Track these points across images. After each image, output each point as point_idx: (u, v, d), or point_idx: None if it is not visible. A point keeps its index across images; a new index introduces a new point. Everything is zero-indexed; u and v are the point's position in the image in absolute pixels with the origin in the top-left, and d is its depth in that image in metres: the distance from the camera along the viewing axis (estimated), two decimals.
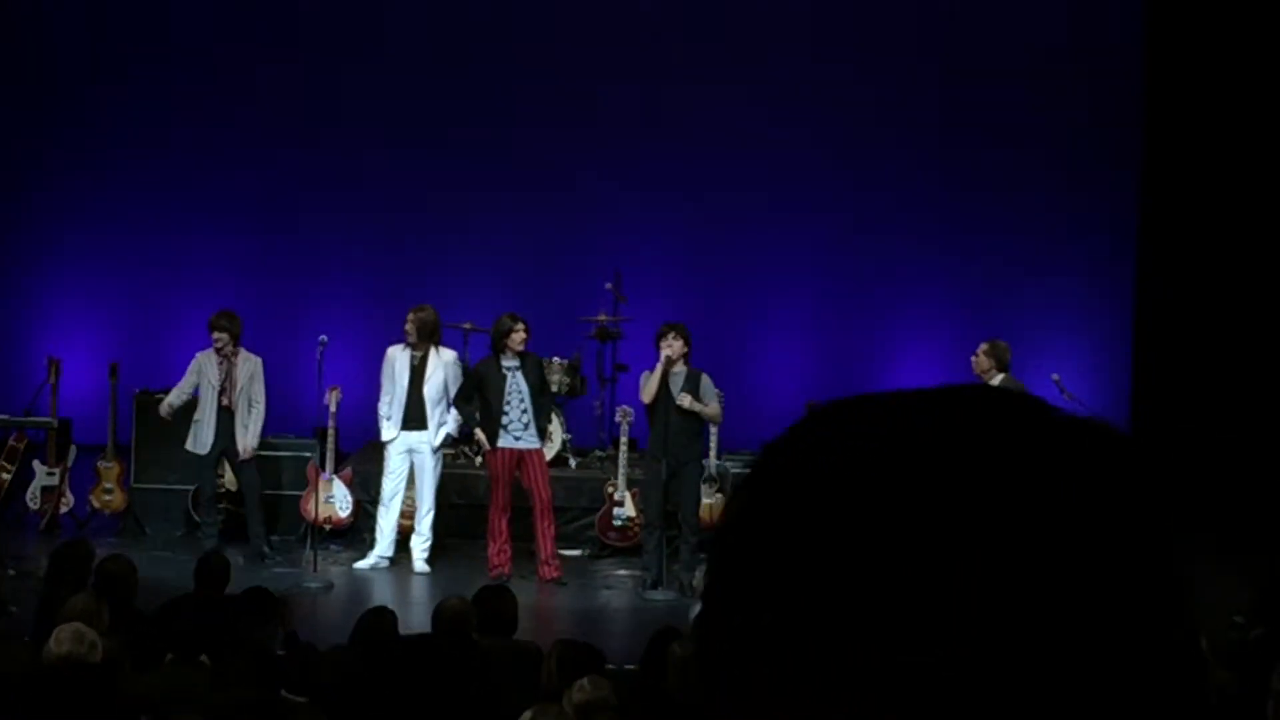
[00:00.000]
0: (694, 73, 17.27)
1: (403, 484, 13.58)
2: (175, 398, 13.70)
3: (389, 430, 13.50)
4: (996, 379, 12.45)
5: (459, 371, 13.59)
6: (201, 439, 13.60)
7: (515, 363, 13.10)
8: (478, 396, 13.19)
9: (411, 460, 13.54)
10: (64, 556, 9.04)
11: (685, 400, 12.66)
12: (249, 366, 13.65)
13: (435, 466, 13.59)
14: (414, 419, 13.44)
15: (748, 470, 1.10)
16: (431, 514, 13.55)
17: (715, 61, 17.26)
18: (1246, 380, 16.21)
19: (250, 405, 13.60)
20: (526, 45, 17.27)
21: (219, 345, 13.51)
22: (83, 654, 6.59)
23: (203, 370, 13.59)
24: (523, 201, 17.30)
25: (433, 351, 13.47)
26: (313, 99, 17.40)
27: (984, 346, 12.92)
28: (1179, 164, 16.53)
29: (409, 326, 13.41)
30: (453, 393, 13.44)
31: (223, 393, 13.54)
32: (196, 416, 13.61)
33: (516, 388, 13.06)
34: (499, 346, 13.15)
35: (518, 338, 13.06)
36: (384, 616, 8.33)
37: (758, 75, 17.29)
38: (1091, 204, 17.20)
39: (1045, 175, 17.22)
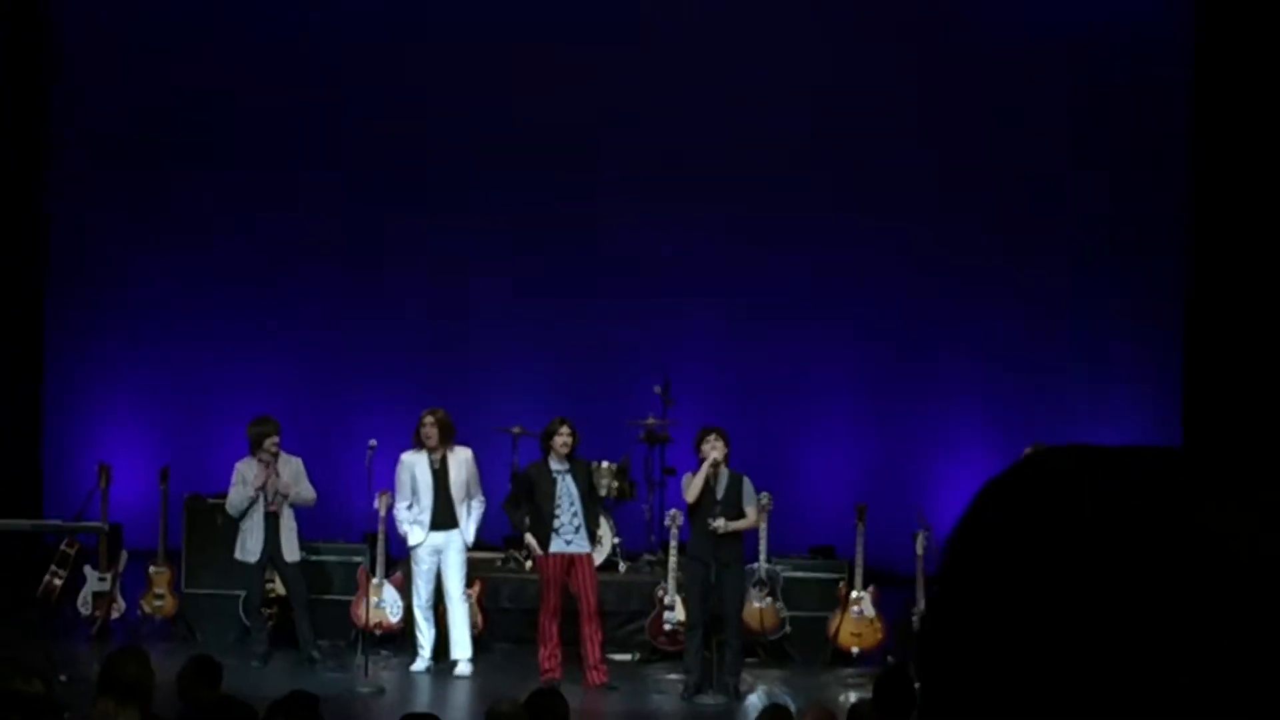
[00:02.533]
0: (737, 183, 17.35)
1: (434, 585, 13.59)
2: (241, 502, 13.72)
3: (417, 534, 13.53)
4: None
5: (476, 468, 13.65)
6: (249, 547, 13.69)
7: (564, 466, 13.13)
8: (527, 501, 13.22)
9: (439, 560, 13.56)
10: (118, 664, 9.00)
11: (720, 524, 12.66)
12: (291, 468, 13.74)
13: (464, 562, 13.61)
14: (443, 520, 13.50)
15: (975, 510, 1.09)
16: (467, 608, 13.55)
17: (759, 169, 17.33)
18: None
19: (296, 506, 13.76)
20: (570, 153, 17.34)
21: (271, 447, 13.60)
22: None
23: (245, 479, 13.67)
24: (570, 308, 17.35)
25: (450, 452, 13.54)
26: (357, 206, 17.50)
27: (1029, 451, 12.84)
28: (1229, 266, 16.40)
29: (430, 430, 13.47)
30: (473, 488, 13.49)
31: (269, 500, 13.63)
32: (243, 525, 13.70)
33: (567, 491, 13.09)
34: (546, 449, 13.19)
35: (560, 440, 13.10)
36: None
37: (799, 184, 17.34)
38: (1136, 310, 17.14)
39: (1089, 283, 17.18)
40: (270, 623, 13.94)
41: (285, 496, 13.66)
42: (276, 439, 13.68)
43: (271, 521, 13.65)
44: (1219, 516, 0.98)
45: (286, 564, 13.73)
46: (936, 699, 1.05)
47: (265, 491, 13.66)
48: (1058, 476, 1.04)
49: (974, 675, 1.01)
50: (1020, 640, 0.99)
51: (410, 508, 13.53)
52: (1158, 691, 0.95)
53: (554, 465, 13.13)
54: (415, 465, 13.56)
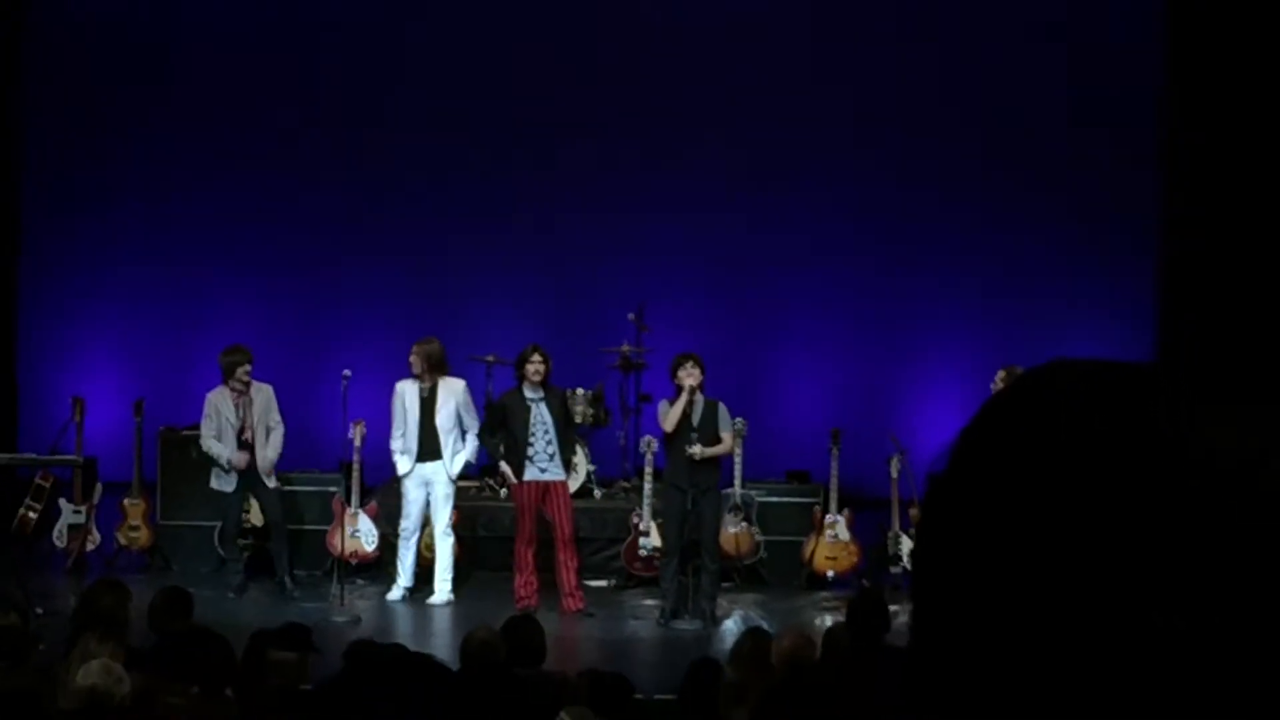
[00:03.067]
0: (718, 108, 17.31)
1: (421, 515, 13.62)
2: (217, 446, 13.65)
3: (404, 464, 13.54)
4: None
5: (470, 399, 13.64)
6: (225, 476, 13.68)
7: (539, 394, 13.12)
8: (501, 429, 13.22)
9: (428, 492, 13.57)
10: (95, 596, 8.99)
11: (696, 450, 12.67)
12: (262, 397, 13.73)
13: (450, 496, 13.62)
14: (428, 451, 13.48)
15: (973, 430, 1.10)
16: (450, 542, 13.58)
17: (742, 96, 17.30)
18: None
19: (268, 432, 13.70)
20: (550, 79, 17.29)
21: (244, 376, 13.57)
22: (109, 687, 6.58)
23: (219, 409, 13.65)
24: (545, 234, 17.34)
25: (441, 382, 13.51)
26: (333, 137, 17.45)
27: (1001, 374, 12.86)
28: (1200, 198, 16.39)
29: (414, 359, 13.49)
30: (465, 421, 13.50)
31: (242, 429, 13.61)
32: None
33: (541, 419, 13.08)
34: (520, 376, 13.18)
35: (532, 368, 13.09)
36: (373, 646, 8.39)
37: (784, 112, 17.31)
38: (1113, 235, 17.15)
39: (1066, 211, 17.19)
40: (246, 553, 13.96)
41: (268, 457, 13.66)
42: (248, 367, 13.64)
43: (246, 450, 13.64)
44: (1184, 428, 1.01)
45: (267, 489, 13.73)
46: (929, 614, 1.07)
47: (240, 420, 13.63)
48: (1043, 394, 1.07)
49: (966, 590, 1.03)
50: (1009, 553, 1.01)
51: (402, 436, 13.54)
52: (1133, 600, 0.98)
53: (528, 393, 13.13)
54: (406, 394, 13.56)
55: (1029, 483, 1.02)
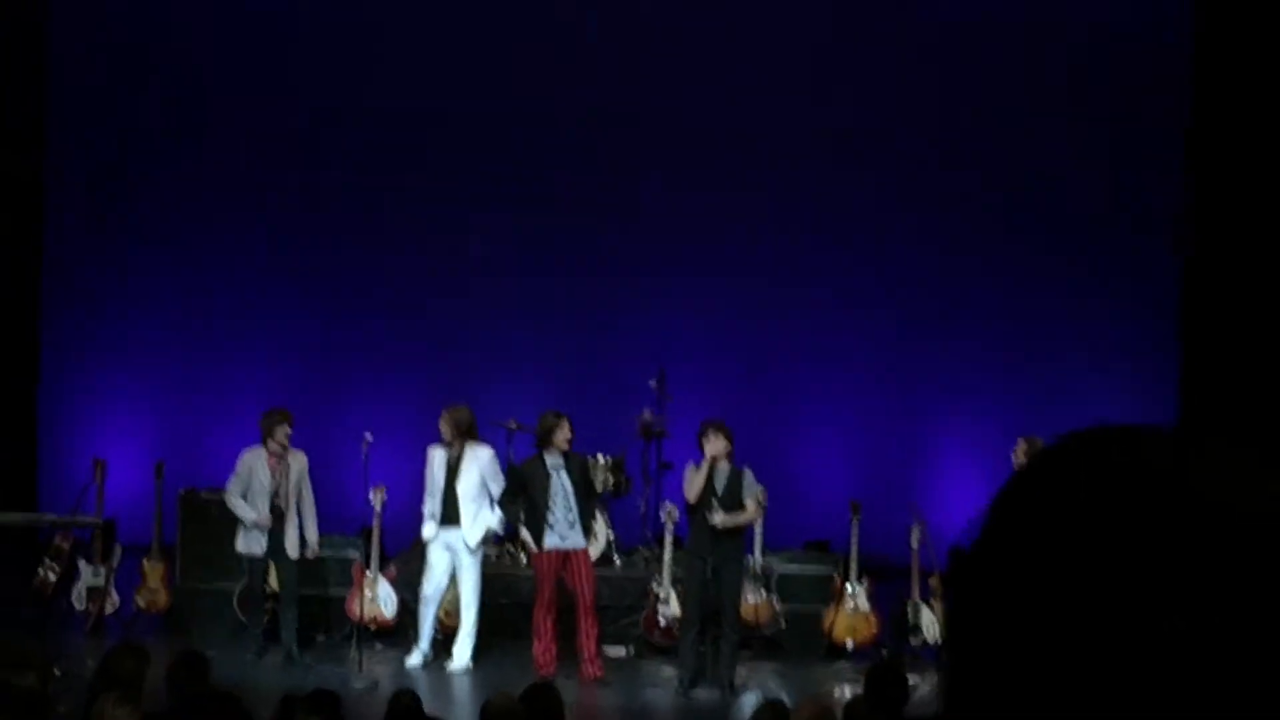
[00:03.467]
0: (734, 177, 17.35)
1: (444, 581, 13.59)
2: (242, 506, 13.52)
3: (429, 529, 13.52)
4: None
5: (496, 468, 13.60)
6: (256, 540, 13.57)
7: (560, 461, 13.11)
8: (522, 496, 13.21)
9: (451, 558, 13.55)
10: (117, 660, 8.96)
11: (718, 518, 12.62)
12: (298, 464, 13.65)
13: (475, 564, 13.58)
14: (450, 516, 13.46)
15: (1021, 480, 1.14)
16: (474, 611, 13.54)
17: (756, 160, 17.35)
18: None
19: (300, 502, 13.62)
20: (568, 142, 17.36)
21: (283, 439, 13.48)
22: None
23: (253, 470, 13.58)
24: (566, 300, 17.37)
25: (468, 449, 13.49)
26: (354, 199, 17.52)
27: (1022, 445, 12.83)
28: (1225, 255, 16.40)
29: (443, 426, 13.46)
30: (492, 490, 13.47)
31: (275, 494, 13.55)
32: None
33: (561, 486, 13.06)
34: (544, 444, 13.17)
35: (561, 435, 13.07)
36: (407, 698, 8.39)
37: (797, 178, 17.35)
38: (1134, 293, 17.15)
39: (1084, 273, 17.20)
40: (267, 618, 13.91)
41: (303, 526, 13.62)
42: (288, 429, 13.52)
43: (276, 517, 13.55)
44: (1211, 483, 1.04)
45: (288, 560, 13.65)
46: (964, 673, 1.08)
47: (275, 486, 13.53)
48: (1075, 460, 1.10)
49: (1004, 655, 1.05)
50: (1051, 616, 1.03)
51: (431, 500, 13.54)
52: (1185, 672, 1.00)
53: (549, 460, 13.12)
54: (435, 459, 13.56)
55: (1066, 544, 1.04)
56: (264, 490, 13.50)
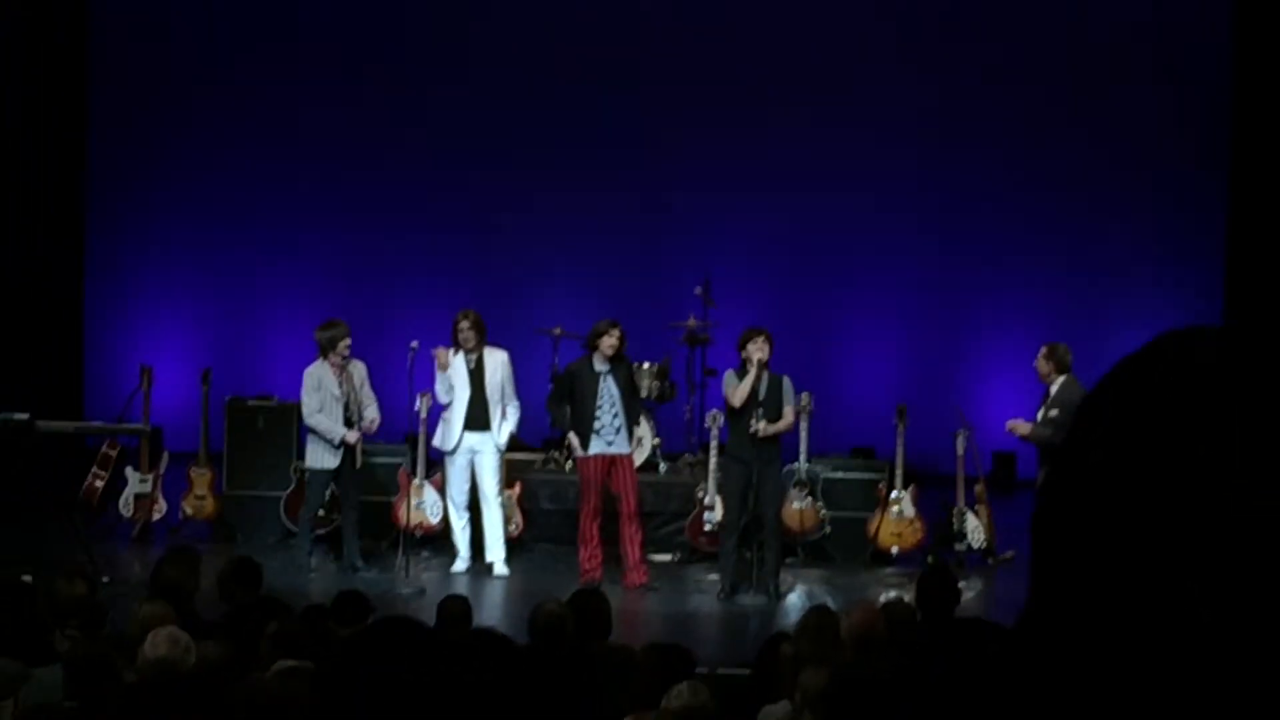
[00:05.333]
0: (780, 84, 17.27)
1: (468, 485, 13.56)
2: (326, 422, 13.27)
3: (452, 434, 13.45)
4: (1058, 381, 12.40)
5: (511, 370, 13.53)
6: (327, 455, 13.38)
7: (606, 367, 13.07)
8: (569, 399, 13.19)
9: (473, 460, 13.53)
10: (168, 565, 8.95)
11: (761, 427, 12.58)
12: (359, 373, 13.51)
13: (497, 466, 13.58)
14: (478, 420, 13.42)
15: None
16: (500, 511, 13.56)
17: (801, 75, 17.27)
18: None
19: (362, 408, 13.43)
20: (613, 58, 17.29)
21: (344, 350, 13.36)
22: (178, 657, 6.53)
23: (322, 383, 13.34)
24: (612, 207, 17.33)
25: (487, 352, 13.45)
26: (402, 111, 17.50)
27: (1043, 350, 12.74)
28: (1268, 164, 16.32)
29: (468, 332, 13.31)
30: (508, 391, 13.43)
31: (347, 405, 13.42)
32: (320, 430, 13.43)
33: (608, 391, 13.03)
34: (592, 348, 13.13)
35: (609, 342, 13.01)
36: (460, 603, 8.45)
37: (843, 85, 17.27)
38: (1178, 204, 17.07)
39: (1132, 176, 17.10)
40: (323, 528, 13.90)
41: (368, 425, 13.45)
42: (349, 341, 13.26)
43: (349, 427, 13.38)
44: None
45: (355, 471, 13.52)
46: (1054, 566, 1.08)
47: (344, 395, 13.39)
48: (1167, 355, 1.11)
49: (1102, 539, 1.05)
50: (1144, 504, 1.03)
51: (447, 408, 13.48)
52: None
53: (597, 365, 13.08)
54: (455, 364, 13.47)
55: (1165, 440, 1.04)
56: (337, 403, 13.30)
